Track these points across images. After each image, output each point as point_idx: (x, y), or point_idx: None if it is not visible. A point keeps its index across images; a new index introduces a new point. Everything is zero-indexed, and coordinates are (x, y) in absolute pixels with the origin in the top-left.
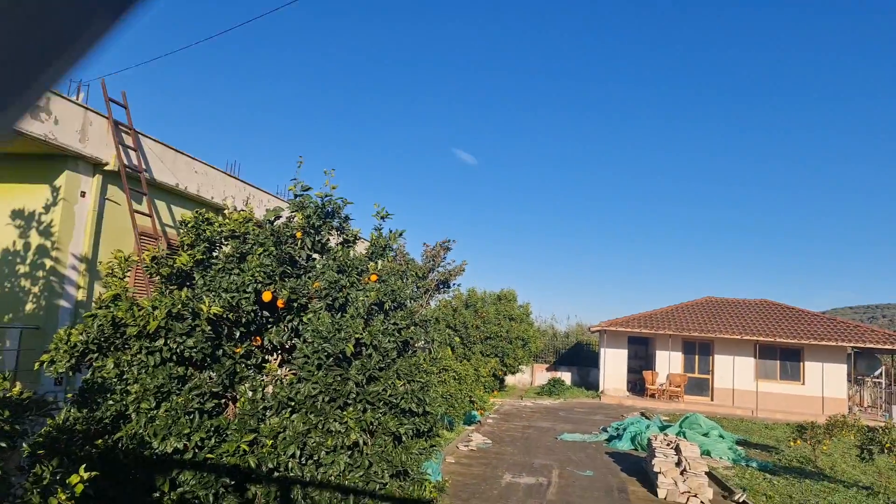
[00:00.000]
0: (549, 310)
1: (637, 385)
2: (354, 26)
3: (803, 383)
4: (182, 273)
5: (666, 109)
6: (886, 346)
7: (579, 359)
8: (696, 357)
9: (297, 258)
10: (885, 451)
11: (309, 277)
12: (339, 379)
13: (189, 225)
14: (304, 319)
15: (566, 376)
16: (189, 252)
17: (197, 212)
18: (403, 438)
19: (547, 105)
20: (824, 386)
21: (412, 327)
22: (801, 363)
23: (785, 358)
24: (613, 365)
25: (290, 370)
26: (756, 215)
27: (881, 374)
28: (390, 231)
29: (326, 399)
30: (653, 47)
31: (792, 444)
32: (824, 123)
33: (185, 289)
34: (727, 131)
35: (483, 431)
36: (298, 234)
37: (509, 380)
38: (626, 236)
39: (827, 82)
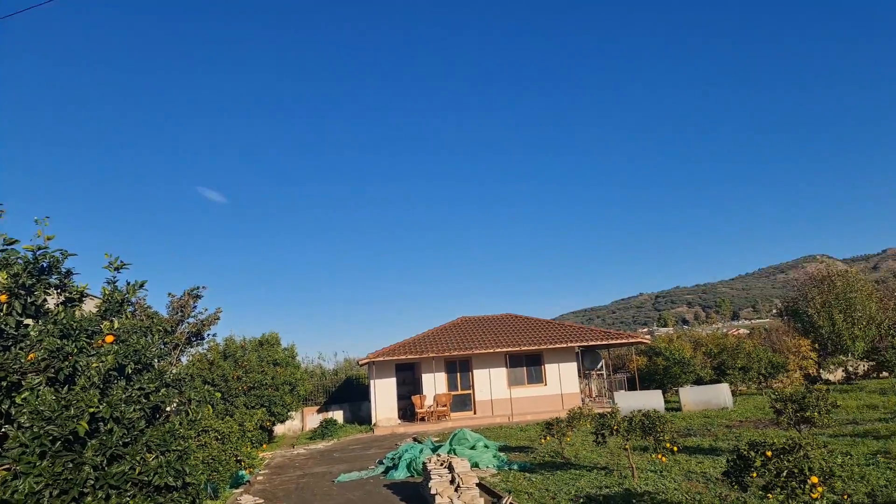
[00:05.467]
0: (317, 349)
1: (408, 411)
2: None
3: (545, 384)
4: None
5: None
6: (604, 342)
7: (350, 395)
8: (458, 375)
9: (1, 327)
10: (614, 432)
11: (21, 348)
12: (70, 466)
13: None
14: (18, 400)
15: (338, 415)
16: None
17: None
18: None
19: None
20: (562, 384)
21: (163, 389)
22: (542, 366)
23: (530, 364)
24: (383, 395)
25: (1, 466)
26: (500, 235)
27: (602, 366)
28: (128, 283)
29: (56, 493)
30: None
31: (543, 441)
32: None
33: None
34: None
35: (254, 491)
36: (3, 298)
37: (279, 429)
38: (386, 265)
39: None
